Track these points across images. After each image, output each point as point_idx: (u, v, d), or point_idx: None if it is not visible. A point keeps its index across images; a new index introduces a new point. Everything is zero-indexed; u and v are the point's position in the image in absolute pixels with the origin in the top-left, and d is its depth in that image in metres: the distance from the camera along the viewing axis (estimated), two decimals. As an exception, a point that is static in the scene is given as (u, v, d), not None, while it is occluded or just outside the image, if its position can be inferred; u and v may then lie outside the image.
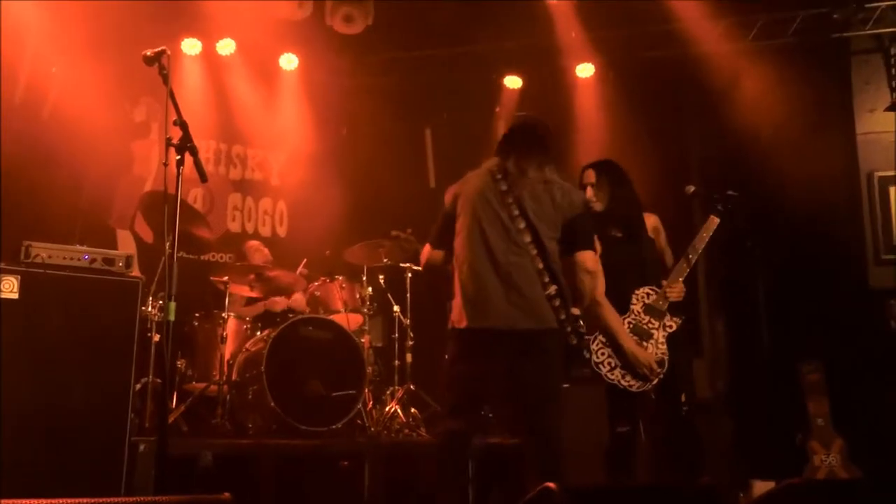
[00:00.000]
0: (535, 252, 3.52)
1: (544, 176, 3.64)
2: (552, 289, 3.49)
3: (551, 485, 2.58)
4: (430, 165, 8.21)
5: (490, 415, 6.29)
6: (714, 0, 6.64)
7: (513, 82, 7.84)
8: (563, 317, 3.51)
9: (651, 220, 4.41)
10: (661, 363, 4.13)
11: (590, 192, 4.29)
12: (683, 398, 4.29)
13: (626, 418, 4.22)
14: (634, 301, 4.24)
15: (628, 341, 4.07)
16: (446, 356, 3.71)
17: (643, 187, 6.26)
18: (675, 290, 4.23)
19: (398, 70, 7.75)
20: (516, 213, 3.55)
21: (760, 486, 5.28)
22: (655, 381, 4.12)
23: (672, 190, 5.79)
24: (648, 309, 4.22)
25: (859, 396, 5.99)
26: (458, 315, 3.63)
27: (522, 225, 3.54)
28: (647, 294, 4.24)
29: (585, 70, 7.58)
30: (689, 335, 6.78)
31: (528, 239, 3.54)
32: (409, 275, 6.39)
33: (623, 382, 4.14)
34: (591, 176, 4.33)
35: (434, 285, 6.67)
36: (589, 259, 3.62)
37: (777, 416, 5.67)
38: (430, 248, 3.84)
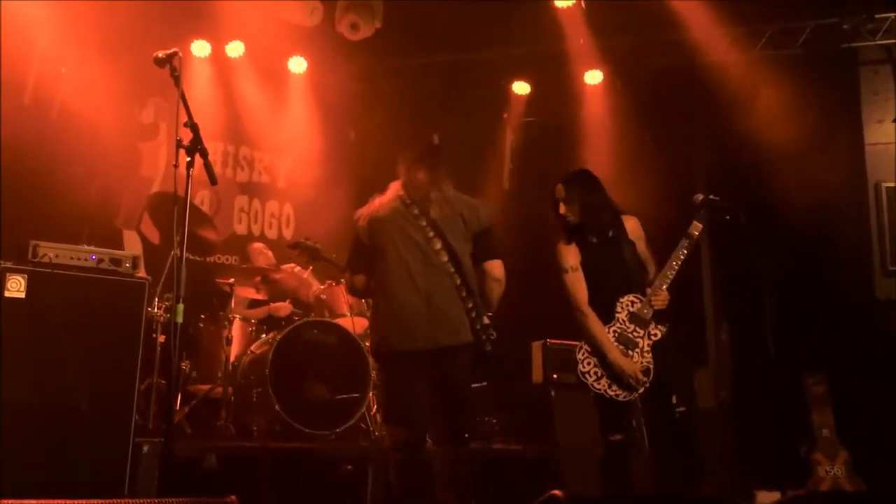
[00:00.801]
0: (452, 270, 3.75)
1: (446, 195, 3.88)
2: (469, 303, 3.75)
3: (557, 492, 2.60)
4: (437, 170, 8.19)
5: (493, 420, 6.32)
6: (723, 10, 6.63)
7: (521, 88, 7.86)
8: (478, 326, 3.75)
9: (631, 223, 4.37)
10: (646, 372, 4.14)
11: (562, 207, 4.30)
12: (675, 400, 4.24)
13: (618, 427, 4.22)
14: (619, 309, 4.22)
15: (613, 352, 4.13)
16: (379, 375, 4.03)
17: (649, 193, 6.29)
18: (660, 298, 4.20)
19: (406, 75, 7.76)
20: (431, 234, 3.77)
21: (764, 496, 5.25)
22: (641, 390, 4.14)
23: (678, 197, 5.79)
24: (633, 317, 4.21)
25: (864, 408, 5.97)
26: (382, 337, 3.83)
27: (439, 246, 3.76)
28: (632, 302, 4.23)
29: (593, 77, 7.58)
30: (693, 344, 6.83)
31: (445, 258, 3.76)
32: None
33: (610, 392, 4.16)
34: (560, 191, 4.33)
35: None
36: (497, 267, 3.92)
37: (781, 427, 5.66)
38: (350, 274, 4.02)
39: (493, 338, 3.80)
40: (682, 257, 4.24)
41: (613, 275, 4.26)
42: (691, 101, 7.20)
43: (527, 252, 7.60)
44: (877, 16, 6.74)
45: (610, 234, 4.31)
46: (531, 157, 8.04)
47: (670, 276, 4.22)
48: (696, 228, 4.28)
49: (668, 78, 7.21)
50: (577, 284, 4.26)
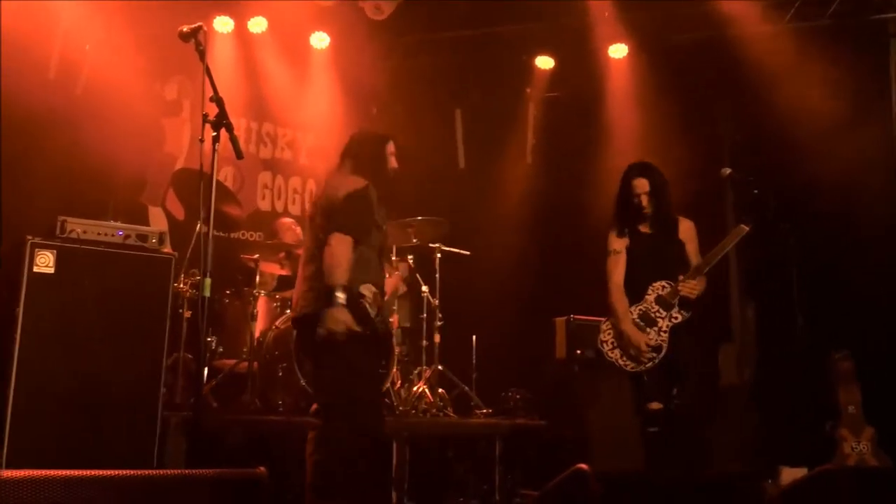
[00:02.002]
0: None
1: (332, 184, 4.03)
2: (313, 275, 3.85)
3: (584, 466, 2.60)
4: (460, 146, 8.19)
5: (517, 396, 6.34)
6: (750, -19, 6.53)
7: (544, 63, 7.78)
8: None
9: (685, 225, 4.60)
10: (656, 349, 4.40)
11: (644, 199, 4.53)
12: (675, 392, 4.46)
13: (656, 396, 4.41)
14: (650, 292, 4.49)
15: (625, 322, 4.45)
16: None
17: (676, 169, 6.20)
18: (688, 286, 4.42)
19: (429, 51, 7.71)
20: (318, 213, 3.97)
21: (789, 473, 5.23)
22: (649, 364, 4.40)
23: (704, 173, 5.73)
24: (659, 300, 4.47)
25: (891, 385, 5.91)
26: None
27: (319, 223, 3.92)
28: (663, 287, 4.48)
29: (618, 51, 7.48)
30: (718, 321, 6.79)
31: (322, 235, 3.85)
32: (439, 255, 6.39)
33: (620, 361, 4.49)
34: (644, 185, 4.55)
35: (463, 267, 6.70)
36: (332, 239, 3.76)
37: (807, 404, 5.63)
38: None
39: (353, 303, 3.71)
40: (720, 253, 4.39)
41: (653, 263, 4.53)
42: (718, 75, 7.10)
43: (548, 226, 7.60)
44: (909, -14, 6.60)
45: (661, 227, 4.57)
46: (554, 132, 7.99)
47: (703, 269, 4.43)
48: (742, 231, 4.37)
49: (694, 51, 7.10)
50: (616, 266, 4.57)
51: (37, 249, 4.13)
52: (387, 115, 7.90)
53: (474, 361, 6.56)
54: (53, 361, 4.11)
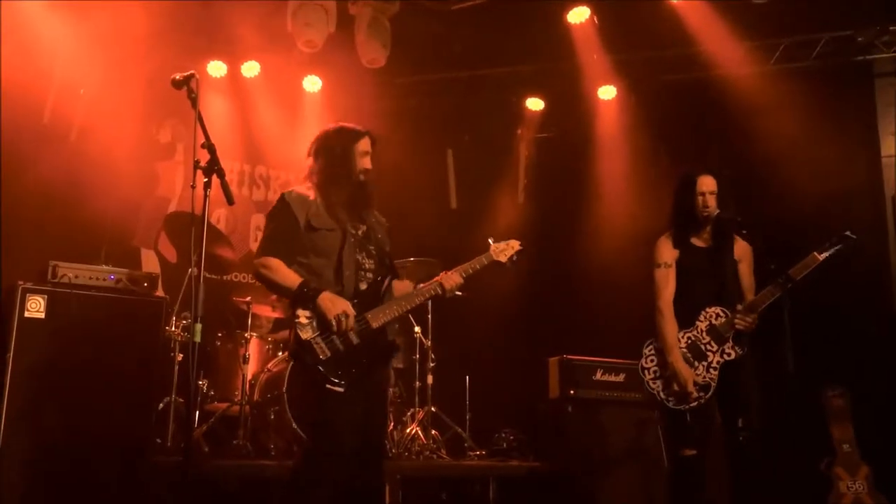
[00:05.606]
0: None
1: None
2: None
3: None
4: (452, 186, 8.24)
5: (511, 437, 6.31)
6: (737, 24, 6.63)
7: (535, 104, 7.88)
8: None
9: (741, 244, 4.28)
10: (704, 388, 4.01)
11: (711, 200, 4.20)
12: (741, 423, 4.12)
13: (692, 442, 4.07)
14: (702, 318, 4.13)
15: (674, 354, 4.04)
16: None
17: (664, 208, 6.26)
18: (746, 320, 4.06)
19: (421, 93, 7.80)
20: None
21: (785, 513, 5.20)
22: (694, 404, 4.01)
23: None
24: (712, 330, 4.11)
25: (885, 422, 5.90)
26: None
27: None
28: (717, 315, 4.12)
29: (607, 92, 7.58)
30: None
31: None
32: (431, 296, 6.40)
33: (662, 394, 4.09)
34: (711, 184, 4.23)
35: (456, 307, 6.69)
36: None
37: (801, 442, 5.61)
38: None
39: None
40: (790, 284, 4.00)
41: (707, 283, 4.17)
42: (705, 116, 7.19)
43: (541, 266, 7.61)
44: (891, 28, 6.70)
45: (717, 243, 4.23)
46: (546, 171, 8.06)
47: (768, 300, 4.04)
48: (815, 260, 4.06)
49: (681, 92, 7.21)
50: (666, 281, 4.18)
51: (28, 294, 4.14)
52: (379, 157, 7.93)
53: (467, 402, 6.53)
54: (43, 406, 4.09)
